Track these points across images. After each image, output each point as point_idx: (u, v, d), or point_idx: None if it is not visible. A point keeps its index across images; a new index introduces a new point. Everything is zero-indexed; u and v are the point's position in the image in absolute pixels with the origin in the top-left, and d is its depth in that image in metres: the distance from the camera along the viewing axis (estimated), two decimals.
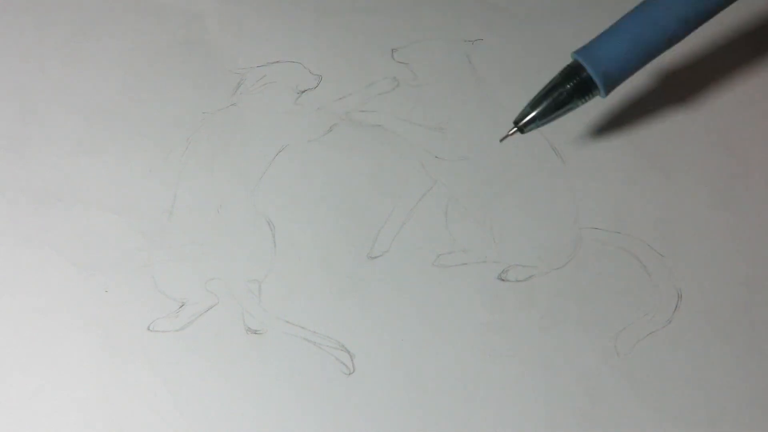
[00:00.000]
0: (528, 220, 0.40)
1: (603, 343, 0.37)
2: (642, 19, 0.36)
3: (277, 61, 0.44)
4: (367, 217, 0.40)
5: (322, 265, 0.38)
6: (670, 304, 0.38)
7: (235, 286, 0.38)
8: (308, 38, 0.45)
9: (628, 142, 0.42)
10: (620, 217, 0.40)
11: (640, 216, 0.40)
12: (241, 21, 0.45)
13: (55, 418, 0.35)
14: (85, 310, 0.37)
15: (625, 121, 0.42)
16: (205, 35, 0.45)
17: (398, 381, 0.36)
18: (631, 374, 0.36)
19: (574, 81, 0.36)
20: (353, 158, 0.41)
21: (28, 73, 0.43)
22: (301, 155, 0.41)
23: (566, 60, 0.37)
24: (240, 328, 0.37)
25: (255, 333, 0.37)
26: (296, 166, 0.41)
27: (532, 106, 0.37)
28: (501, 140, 0.38)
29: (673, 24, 0.36)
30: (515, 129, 0.37)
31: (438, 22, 0.45)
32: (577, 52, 0.36)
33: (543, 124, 0.37)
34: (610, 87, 0.36)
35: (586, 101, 0.37)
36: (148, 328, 0.37)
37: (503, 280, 0.38)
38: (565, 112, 0.37)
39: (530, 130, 0.37)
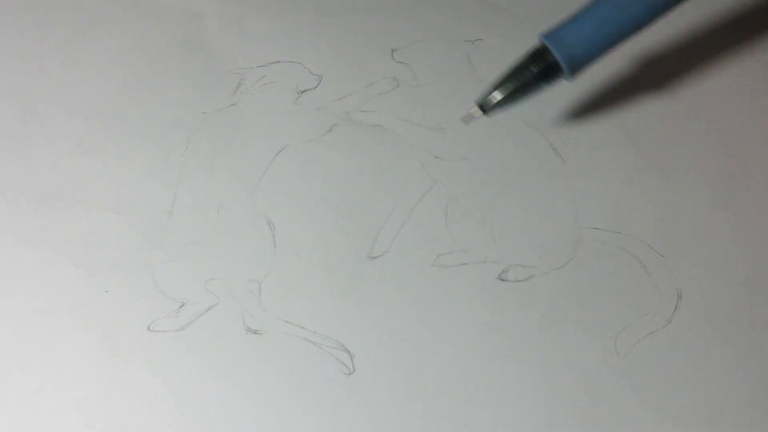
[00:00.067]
0: (528, 220, 0.40)
1: (603, 343, 0.37)
2: (610, 4, 0.36)
3: (277, 61, 0.44)
4: (367, 217, 0.40)
5: (322, 265, 0.38)
6: (670, 304, 0.38)
7: (235, 286, 0.38)
8: (308, 38, 0.45)
9: (628, 142, 0.42)
10: (620, 217, 0.40)
11: (640, 216, 0.40)
12: (241, 21, 0.45)
13: (55, 418, 0.35)
14: (85, 310, 0.37)
15: (625, 120, 0.42)
16: (205, 35, 0.45)
17: (398, 381, 0.36)
18: (631, 374, 0.36)
19: (540, 64, 0.36)
20: (353, 158, 0.41)
21: (28, 73, 0.43)
22: (301, 155, 0.41)
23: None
24: (240, 328, 0.37)
25: (255, 333, 0.37)
26: (296, 166, 0.41)
27: (497, 87, 0.37)
28: (465, 121, 0.38)
29: (640, 9, 0.36)
30: (478, 109, 0.37)
31: (438, 22, 0.45)
32: (544, 34, 0.36)
33: (508, 107, 0.37)
34: (575, 70, 0.36)
35: (552, 84, 0.37)
36: (148, 328, 0.37)
37: (503, 280, 0.38)
38: (530, 95, 0.37)
39: (495, 112, 0.37)
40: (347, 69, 0.44)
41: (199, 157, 0.41)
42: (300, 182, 0.41)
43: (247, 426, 0.35)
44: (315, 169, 0.41)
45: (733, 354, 0.37)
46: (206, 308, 0.37)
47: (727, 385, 0.36)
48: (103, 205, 0.40)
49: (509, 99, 0.37)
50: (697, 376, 0.36)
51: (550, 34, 0.36)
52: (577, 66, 0.36)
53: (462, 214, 0.40)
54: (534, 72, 0.36)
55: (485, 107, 0.37)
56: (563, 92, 0.42)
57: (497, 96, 0.37)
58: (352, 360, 0.36)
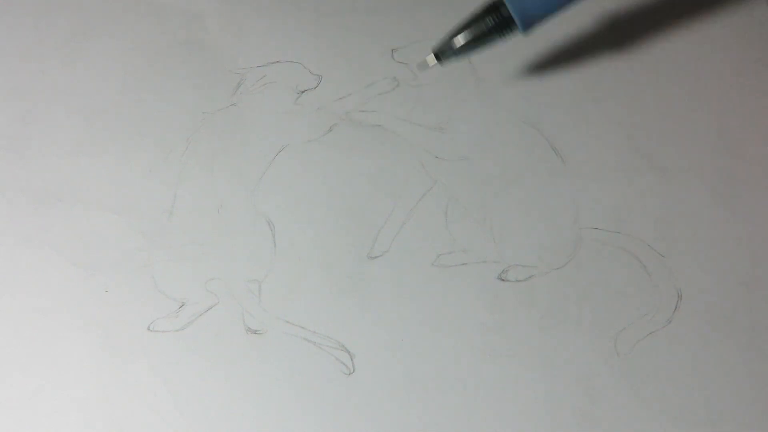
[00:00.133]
0: (528, 220, 0.40)
1: (603, 343, 0.37)
2: None
3: (277, 61, 0.44)
4: (367, 217, 0.40)
5: (322, 265, 0.38)
6: (670, 304, 0.38)
7: (235, 286, 0.38)
8: (308, 38, 0.45)
9: (628, 142, 0.42)
10: (620, 217, 0.40)
11: (640, 216, 0.40)
12: (241, 21, 0.45)
13: (55, 418, 0.35)
14: (85, 310, 0.37)
15: (625, 121, 0.42)
16: (205, 35, 0.45)
17: (398, 381, 0.36)
18: (631, 374, 0.36)
19: (495, 16, 0.38)
20: (353, 158, 0.41)
21: (28, 73, 0.43)
22: (301, 155, 0.41)
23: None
24: (240, 328, 0.37)
25: (255, 333, 0.37)
26: (296, 166, 0.41)
27: (453, 36, 0.38)
28: (420, 68, 0.39)
29: None
30: (433, 57, 0.38)
31: (438, 23, 0.45)
32: None
33: (463, 57, 0.38)
34: (529, 26, 0.38)
35: (507, 38, 0.38)
36: (148, 328, 0.37)
37: (503, 280, 0.38)
38: (485, 47, 0.38)
39: (450, 61, 0.38)
40: (347, 69, 0.44)
41: (199, 157, 0.41)
42: (300, 182, 0.41)
43: (247, 426, 0.35)
44: (315, 169, 0.41)
45: (733, 354, 0.37)
46: (206, 308, 0.37)
47: (727, 385, 0.36)
48: (103, 205, 0.40)
49: (464, 49, 0.38)
50: (697, 376, 0.36)
51: None
52: (530, 21, 0.38)
53: (462, 214, 0.40)
54: (489, 25, 0.38)
55: (440, 56, 0.38)
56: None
57: (453, 45, 0.38)
58: (352, 360, 0.36)
